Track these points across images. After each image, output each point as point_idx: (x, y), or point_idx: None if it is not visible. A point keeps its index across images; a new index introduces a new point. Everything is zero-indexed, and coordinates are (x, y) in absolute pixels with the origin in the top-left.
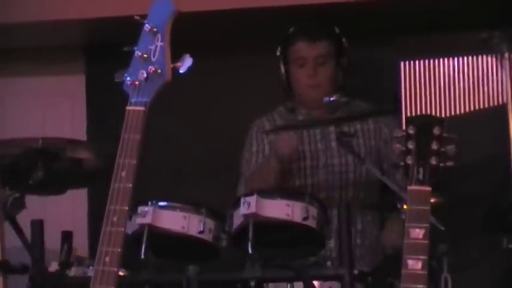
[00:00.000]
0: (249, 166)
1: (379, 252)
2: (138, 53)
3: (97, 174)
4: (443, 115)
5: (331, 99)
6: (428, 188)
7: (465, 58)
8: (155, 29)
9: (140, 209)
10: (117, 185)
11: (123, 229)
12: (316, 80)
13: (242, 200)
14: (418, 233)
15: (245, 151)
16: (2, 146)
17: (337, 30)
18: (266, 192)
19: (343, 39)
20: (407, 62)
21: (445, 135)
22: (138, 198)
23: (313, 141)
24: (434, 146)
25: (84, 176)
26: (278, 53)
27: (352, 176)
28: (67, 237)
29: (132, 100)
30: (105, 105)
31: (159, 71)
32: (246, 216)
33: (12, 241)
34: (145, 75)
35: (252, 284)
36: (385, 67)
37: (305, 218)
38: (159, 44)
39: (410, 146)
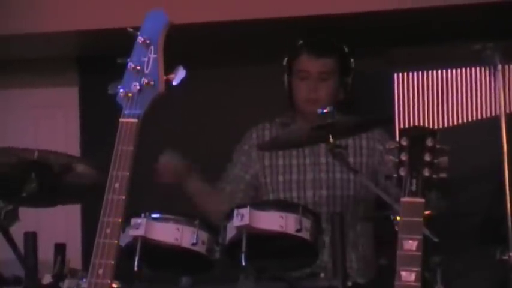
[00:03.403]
0: (228, 173)
1: (372, 264)
2: (131, 64)
3: (90, 188)
4: (436, 126)
5: (325, 110)
6: (422, 200)
7: (458, 70)
8: (148, 41)
9: (133, 220)
10: (111, 197)
11: (116, 241)
12: (316, 95)
13: (235, 212)
14: (411, 244)
15: (240, 152)
16: None
17: (345, 49)
18: (259, 204)
19: (351, 59)
20: (400, 74)
21: (438, 146)
22: (132, 210)
23: (302, 155)
24: (427, 158)
25: (78, 190)
26: (284, 63)
27: (339, 192)
28: (60, 249)
29: (125, 112)
30: (98, 117)
31: (152, 83)
32: (239, 228)
33: (5, 253)
34: (138, 87)
35: None
36: (379, 78)
37: (298, 230)
38: (152, 56)
39: (404, 157)
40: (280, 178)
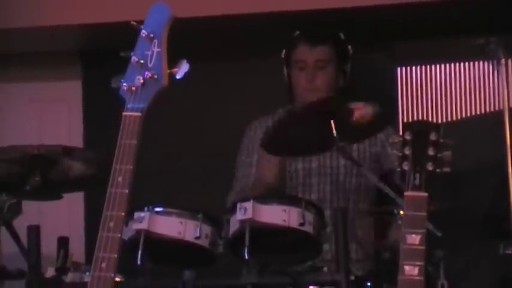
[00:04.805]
0: (245, 170)
1: (371, 255)
2: (134, 58)
3: (93, 181)
4: (439, 121)
5: None
6: (425, 194)
7: (461, 64)
8: (152, 35)
9: (136, 214)
10: (114, 191)
11: (119, 235)
12: (314, 84)
13: (238, 206)
14: (414, 238)
15: (242, 153)
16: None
17: (342, 37)
18: (262, 198)
19: (348, 46)
20: (403, 68)
21: (441, 141)
22: (135, 204)
23: None
24: (431, 152)
25: (81, 182)
26: (282, 56)
27: (342, 179)
28: (63, 242)
29: (129, 106)
30: (101, 110)
31: (155, 76)
32: (242, 221)
33: (8, 247)
34: (141, 80)
35: None
36: (382, 73)
37: (301, 224)
38: (156, 49)
39: (407, 151)
40: (287, 167)
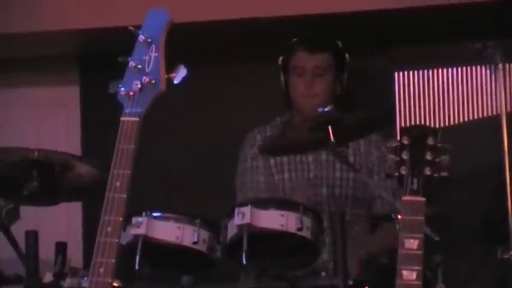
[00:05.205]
0: (243, 182)
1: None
2: (132, 63)
3: (92, 187)
4: (437, 125)
5: (325, 109)
6: (423, 199)
7: (459, 68)
8: (150, 40)
9: (134, 219)
10: (112, 196)
11: (117, 240)
12: (313, 91)
13: (236, 211)
14: (412, 243)
15: (238, 165)
16: None
17: (340, 45)
18: (260, 203)
19: (346, 55)
20: (401, 73)
21: (439, 145)
22: (133, 209)
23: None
24: (429, 156)
25: (79, 189)
26: (280, 62)
27: (338, 191)
28: (61, 248)
29: (127, 111)
30: (99, 115)
31: (153, 81)
32: (240, 226)
33: (6, 252)
34: (139, 86)
35: None
36: (380, 77)
37: (299, 229)
38: (154, 54)
39: (405, 156)
40: (286, 176)
